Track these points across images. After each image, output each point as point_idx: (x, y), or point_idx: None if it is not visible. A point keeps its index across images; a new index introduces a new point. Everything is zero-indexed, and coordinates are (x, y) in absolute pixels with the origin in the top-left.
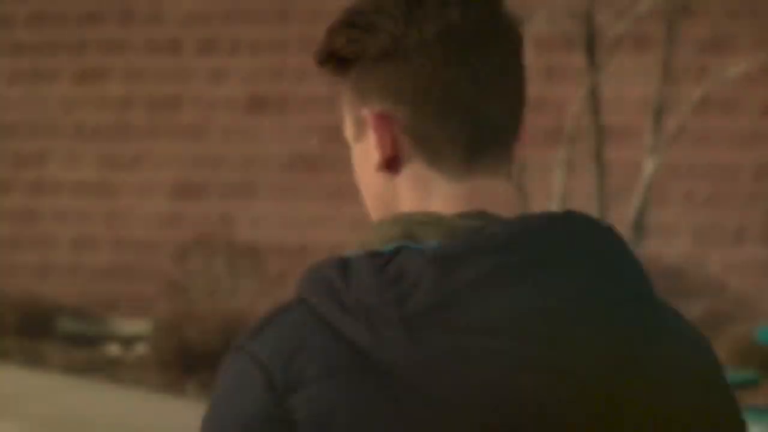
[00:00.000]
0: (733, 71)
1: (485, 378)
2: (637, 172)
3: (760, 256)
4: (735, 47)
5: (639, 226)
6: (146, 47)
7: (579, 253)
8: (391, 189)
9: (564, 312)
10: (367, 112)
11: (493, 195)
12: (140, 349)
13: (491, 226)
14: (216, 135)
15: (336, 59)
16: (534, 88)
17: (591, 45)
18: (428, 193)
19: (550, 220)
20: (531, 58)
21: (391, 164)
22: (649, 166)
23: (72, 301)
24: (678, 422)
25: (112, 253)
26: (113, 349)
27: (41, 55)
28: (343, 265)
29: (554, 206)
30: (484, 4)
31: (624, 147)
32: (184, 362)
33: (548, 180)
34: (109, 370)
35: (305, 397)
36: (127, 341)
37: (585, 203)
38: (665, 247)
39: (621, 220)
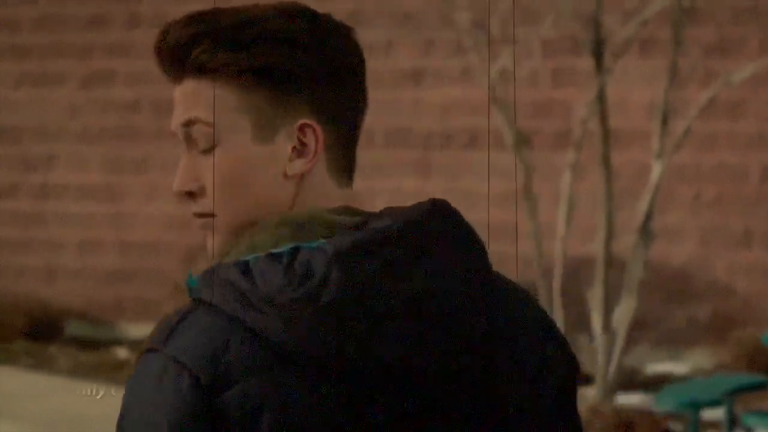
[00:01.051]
0: (740, 75)
1: (392, 356)
2: (644, 175)
3: (767, 259)
4: (741, 51)
5: (646, 229)
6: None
7: (446, 239)
8: (287, 191)
9: (446, 292)
10: (308, 122)
11: (358, 197)
12: None
13: (373, 223)
14: None
15: (253, 69)
16: (541, 91)
17: (598, 49)
18: (328, 196)
19: (423, 213)
20: (538, 61)
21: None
22: (656, 169)
23: (79, 305)
24: (527, 365)
25: (119, 257)
26: (120, 353)
27: (47, 59)
28: (244, 268)
29: (562, 209)
30: (352, 35)
31: (631, 150)
32: None
33: (555, 183)
34: (117, 374)
35: (234, 395)
36: (135, 344)
37: (592, 206)
38: (672, 250)
39: (628, 223)
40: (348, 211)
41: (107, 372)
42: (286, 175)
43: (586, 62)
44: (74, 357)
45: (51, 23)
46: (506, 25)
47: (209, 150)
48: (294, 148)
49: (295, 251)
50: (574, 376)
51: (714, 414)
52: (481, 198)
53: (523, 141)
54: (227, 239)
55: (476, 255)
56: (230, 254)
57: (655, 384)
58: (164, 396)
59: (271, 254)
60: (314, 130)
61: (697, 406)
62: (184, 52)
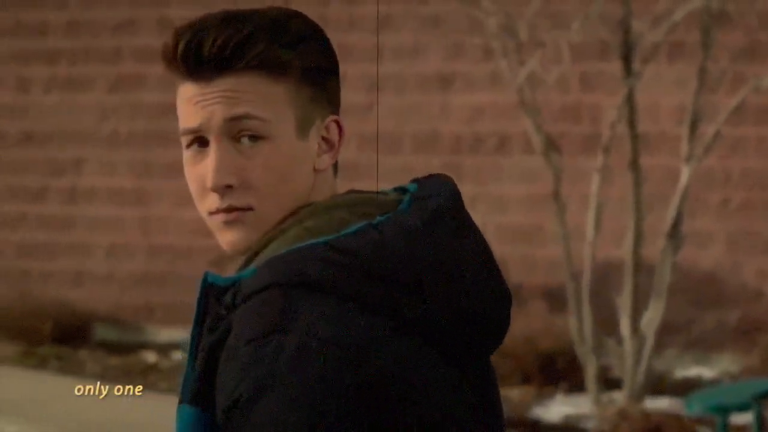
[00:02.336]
0: None
1: (467, 308)
2: (672, 179)
3: None
4: None
5: (675, 233)
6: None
7: (467, 218)
8: (311, 185)
9: (482, 248)
10: (336, 120)
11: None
12: (176, 356)
13: (416, 205)
14: None
15: (309, 68)
16: (570, 95)
17: (627, 53)
18: (333, 188)
19: (439, 188)
20: (567, 65)
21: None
22: (684, 173)
23: (108, 309)
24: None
25: (148, 261)
26: (149, 357)
27: (77, 63)
28: (333, 245)
29: (591, 213)
30: None
31: (660, 155)
32: None
33: (584, 187)
34: (145, 378)
35: (380, 357)
36: (163, 348)
37: (620, 210)
38: (700, 254)
39: (657, 227)
40: (377, 193)
41: (136, 376)
42: (315, 169)
43: (615, 66)
44: (103, 361)
45: (80, 28)
46: (535, 29)
47: (256, 144)
48: (320, 143)
49: (371, 227)
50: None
51: (742, 418)
52: (509, 202)
53: (551, 145)
54: (258, 233)
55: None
56: (278, 241)
57: (683, 388)
58: (306, 374)
59: (353, 232)
60: (338, 126)
61: (725, 410)
62: (243, 48)
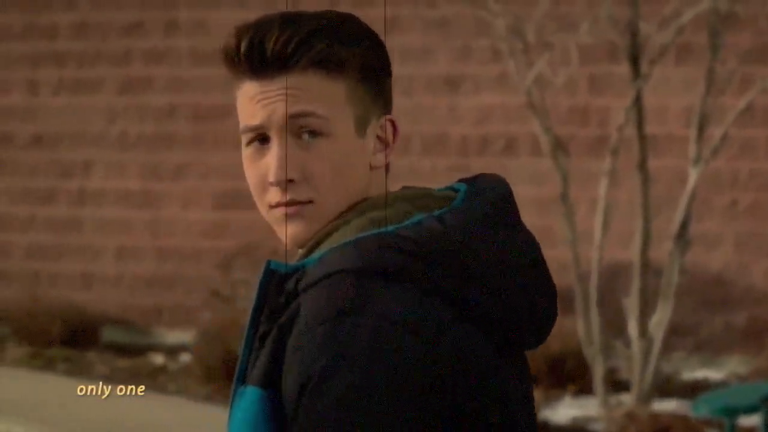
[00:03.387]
0: None
1: (521, 298)
2: (680, 181)
3: None
4: None
5: (682, 235)
6: (190, 57)
7: (515, 207)
8: (368, 181)
9: (531, 243)
10: (391, 119)
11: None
12: (184, 358)
13: (471, 199)
14: None
15: (368, 67)
16: (578, 98)
17: (635, 55)
18: (383, 186)
19: (491, 186)
20: (575, 67)
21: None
22: (692, 175)
23: (116, 311)
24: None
25: (156, 263)
26: (157, 359)
27: (85, 65)
28: (404, 235)
29: (598, 215)
30: None
31: (668, 157)
32: (228, 372)
33: (592, 189)
34: (153, 380)
35: (447, 342)
36: (171, 351)
37: (629, 212)
38: (708, 256)
39: (664, 229)
40: (430, 189)
41: (144, 377)
42: (370, 167)
43: (623, 68)
44: (111, 363)
45: (89, 30)
46: (543, 31)
47: (316, 140)
48: (376, 141)
49: (433, 218)
50: None
51: (750, 420)
52: (518, 204)
53: (559, 147)
54: (318, 226)
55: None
56: (342, 231)
57: (691, 390)
58: (380, 355)
59: (417, 223)
60: (393, 125)
61: (733, 412)
62: (304, 46)
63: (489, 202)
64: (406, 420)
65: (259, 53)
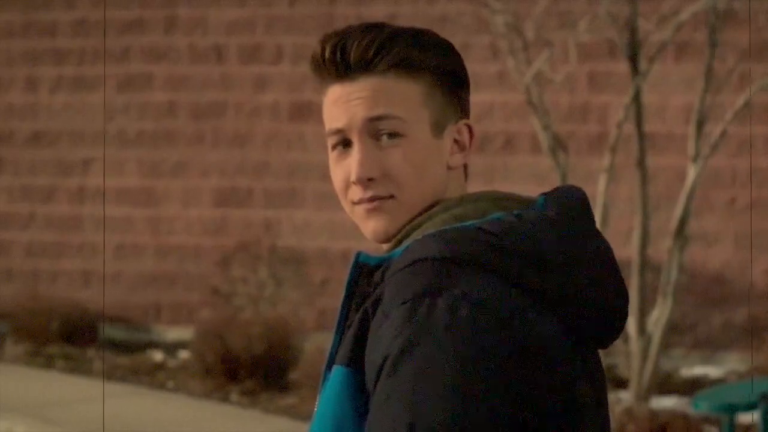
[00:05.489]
0: None
1: (594, 294)
2: (679, 179)
3: None
4: None
5: (682, 233)
6: (190, 55)
7: (591, 214)
8: (446, 180)
9: (606, 248)
10: (469, 125)
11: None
12: (183, 355)
13: (550, 202)
14: (259, 142)
15: (442, 73)
16: (577, 95)
17: (634, 52)
18: (464, 186)
19: (569, 192)
20: (574, 65)
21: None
22: (691, 173)
23: (115, 308)
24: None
25: (156, 260)
26: (156, 356)
27: (85, 63)
28: (480, 229)
29: (597, 213)
30: None
31: (667, 154)
32: (227, 369)
33: (591, 187)
34: (152, 377)
35: (521, 326)
36: (170, 348)
37: (628, 210)
38: (708, 253)
39: (664, 226)
40: (517, 196)
41: (143, 375)
42: (448, 167)
43: (622, 66)
44: (110, 360)
45: (89, 28)
46: (542, 28)
47: (395, 141)
48: (453, 144)
49: (512, 215)
50: None
51: (749, 417)
52: None
53: (558, 145)
54: (399, 221)
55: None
56: (425, 226)
57: (690, 387)
58: (457, 333)
59: (497, 218)
60: (470, 129)
61: (732, 409)
62: (383, 50)
63: (565, 205)
64: (475, 394)
65: (342, 56)
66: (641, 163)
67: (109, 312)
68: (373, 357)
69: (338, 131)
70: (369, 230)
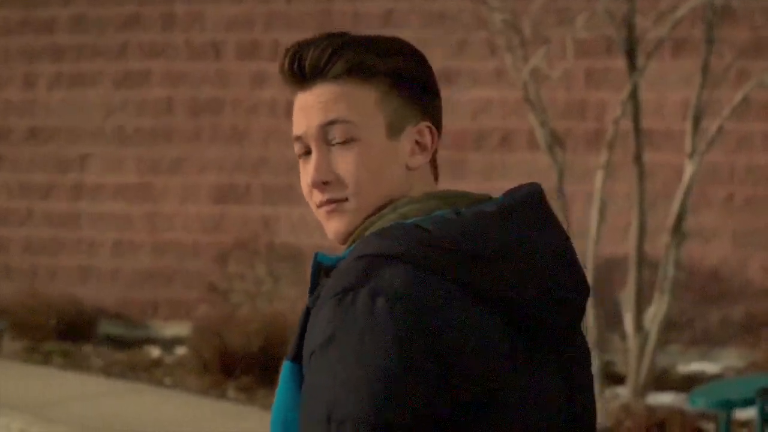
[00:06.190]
0: None
1: (539, 289)
2: (676, 175)
3: None
4: None
5: (679, 229)
6: (187, 51)
7: (551, 216)
8: (406, 180)
9: (567, 247)
10: (429, 126)
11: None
12: (180, 352)
13: (503, 198)
14: (257, 139)
15: (395, 76)
16: (574, 92)
17: (631, 49)
18: (432, 185)
19: (536, 194)
20: (572, 62)
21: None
22: (688, 169)
23: (113, 305)
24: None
25: (153, 257)
26: (154, 352)
27: (82, 59)
28: (417, 226)
29: (594, 209)
30: None
31: (664, 150)
32: (225, 365)
33: (588, 183)
34: (150, 373)
35: (440, 318)
36: (168, 344)
37: (625, 206)
38: (705, 250)
39: (661, 223)
40: (473, 193)
41: (140, 371)
42: (408, 167)
43: (620, 62)
44: (107, 356)
45: (86, 24)
46: (539, 25)
47: (348, 145)
48: (413, 145)
49: (454, 213)
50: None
51: (746, 414)
52: None
53: (556, 141)
54: (355, 220)
55: (563, 228)
56: (375, 225)
57: (687, 384)
58: (375, 320)
59: (438, 215)
60: (431, 131)
61: (729, 405)
62: (335, 56)
63: (509, 202)
64: (390, 384)
65: (299, 64)
66: (638, 160)
67: (106, 308)
68: (306, 349)
69: (298, 138)
70: (330, 231)
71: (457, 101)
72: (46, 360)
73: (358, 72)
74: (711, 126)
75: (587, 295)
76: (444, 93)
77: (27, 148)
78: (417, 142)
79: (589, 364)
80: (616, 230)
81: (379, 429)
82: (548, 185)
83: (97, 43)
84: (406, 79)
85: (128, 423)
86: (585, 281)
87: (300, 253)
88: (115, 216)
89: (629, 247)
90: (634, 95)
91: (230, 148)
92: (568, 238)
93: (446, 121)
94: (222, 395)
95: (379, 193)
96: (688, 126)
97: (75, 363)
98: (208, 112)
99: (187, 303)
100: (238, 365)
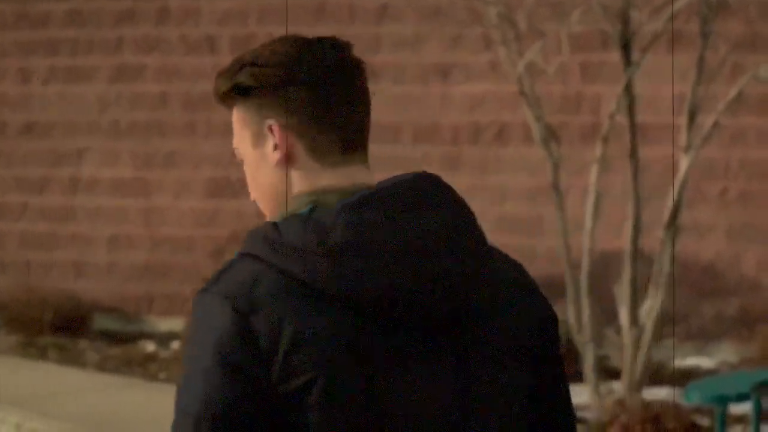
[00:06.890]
0: None
1: (389, 283)
2: (672, 170)
3: None
4: None
5: (674, 224)
6: (182, 45)
7: (434, 199)
8: (281, 180)
9: (436, 240)
10: (272, 123)
11: (365, 177)
12: (175, 346)
13: (374, 189)
14: None
15: (239, 90)
16: (569, 86)
17: (626, 43)
18: (316, 181)
19: (411, 180)
20: (567, 56)
21: (288, 160)
22: (683, 164)
23: (108, 299)
24: (507, 314)
25: (148, 251)
26: (148, 347)
27: (78, 54)
28: (274, 224)
29: (589, 204)
30: (342, 51)
31: (659, 145)
32: None
33: (583, 177)
34: (145, 368)
35: (262, 316)
36: (163, 339)
37: (620, 201)
38: (700, 245)
39: (656, 218)
40: (358, 184)
41: (135, 365)
42: (275, 165)
43: (615, 56)
44: (103, 351)
45: (81, 18)
46: (534, 19)
47: (244, 165)
48: (274, 145)
49: (312, 210)
50: (553, 325)
51: (741, 408)
52: (509, 192)
53: (551, 135)
54: (268, 215)
55: (463, 215)
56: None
57: (682, 378)
58: (212, 322)
59: (295, 214)
60: (273, 129)
61: (724, 400)
62: (220, 88)
63: (372, 192)
64: (211, 384)
65: (216, 96)
66: (633, 154)
67: (101, 303)
68: None
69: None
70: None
71: (452, 95)
72: (41, 354)
73: (226, 100)
74: (706, 121)
75: (487, 278)
76: (439, 87)
77: (22, 143)
78: (273, 143)
79: (510, 352)
80: (611, 224)
81: (204, 422)
82: (543, 179)
83: (92, 37)
84: (245, 90)
85: (123, 417)
86: (480, 263)
87: None
88: (111, 210)
89: (624, 241)
90: (629, 89)
91: (225, 142)
92: (457, 220)
93: (441, 115)
94: None
95: (266, 198)
96: (683, 120)
97: (70, 357)
98: (203, 106)
99: (182, 298)
100: None
